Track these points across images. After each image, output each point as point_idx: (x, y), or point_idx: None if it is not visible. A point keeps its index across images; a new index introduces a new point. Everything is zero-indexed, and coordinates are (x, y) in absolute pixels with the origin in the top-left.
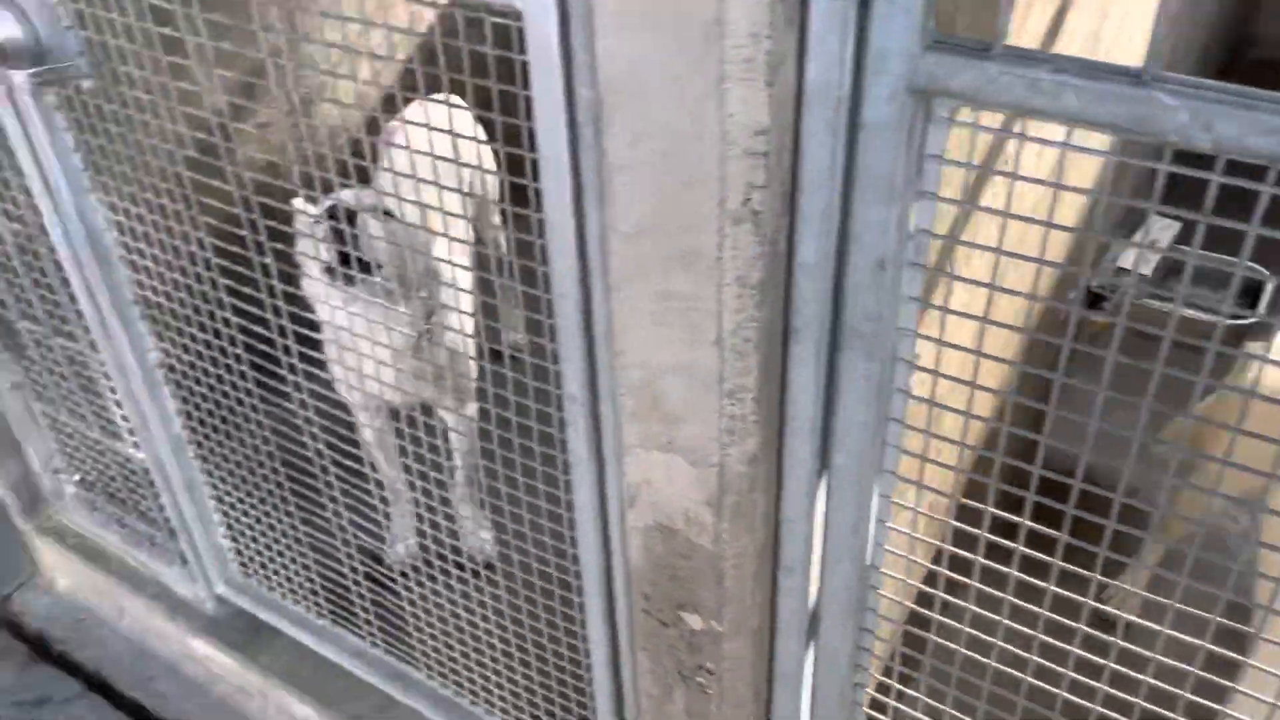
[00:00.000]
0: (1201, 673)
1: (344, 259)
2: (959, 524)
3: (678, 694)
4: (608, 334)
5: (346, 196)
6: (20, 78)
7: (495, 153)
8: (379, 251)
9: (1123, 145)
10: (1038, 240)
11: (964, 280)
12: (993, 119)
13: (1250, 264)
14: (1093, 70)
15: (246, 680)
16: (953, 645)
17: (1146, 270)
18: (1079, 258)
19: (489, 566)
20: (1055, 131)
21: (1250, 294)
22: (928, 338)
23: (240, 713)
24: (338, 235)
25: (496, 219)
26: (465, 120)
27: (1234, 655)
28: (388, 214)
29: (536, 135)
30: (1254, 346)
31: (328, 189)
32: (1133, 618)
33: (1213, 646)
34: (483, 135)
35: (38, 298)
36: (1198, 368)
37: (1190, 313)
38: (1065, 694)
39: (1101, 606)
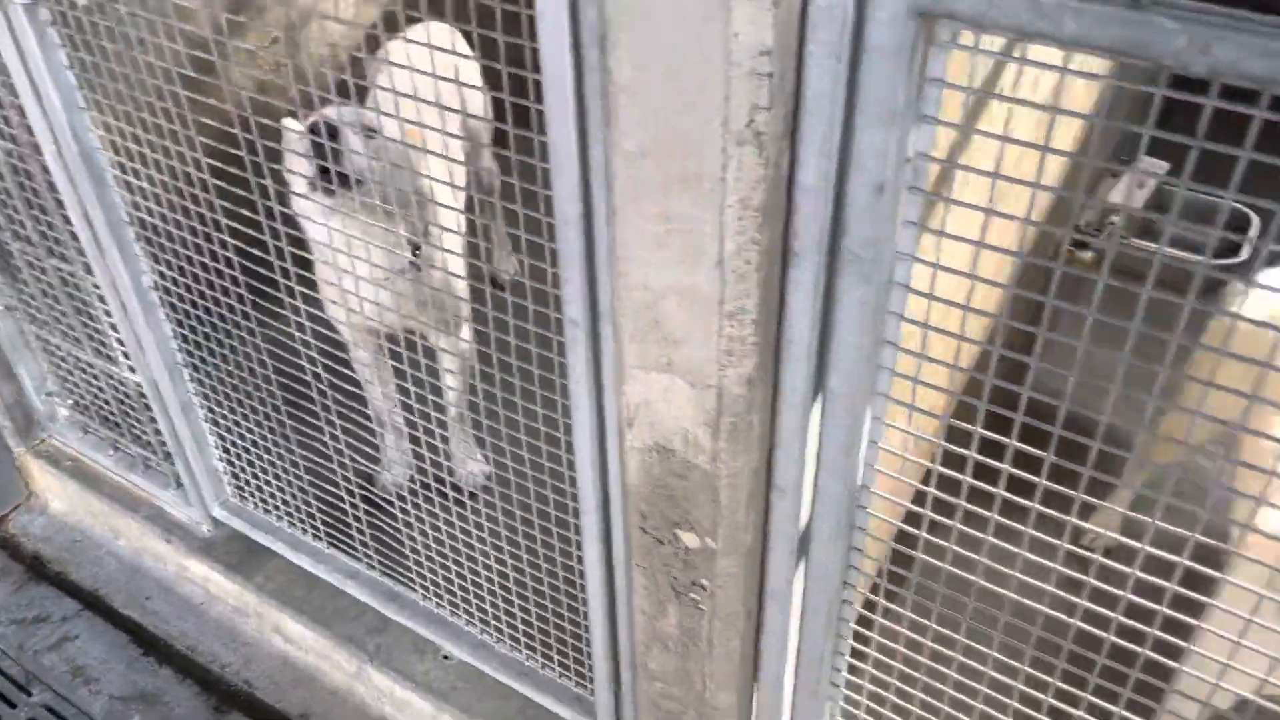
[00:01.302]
0: (1179, 588)
1: (324, 173)
2: (949, 444)
3: (671, 610)
4: (609, 257)
5: (329, 112)
6: None
7: (493, 99)
8: (360, 166)
9: (1119, 69)
10: (1032, 170)
11: (961, 204)
12: (991, 45)
13: (1236, 202)
14: None
15: (242, 600)
16: (939, 563)
17: (1135, 207)
18: (1071, 195)
19: (484, 491)
20: (1053, 58)
21: (1239, 231)
22: (924, 261)
23: (235, 631)
24: (318, 150)
25: (488, 160)
26: (459, 47)
27: (1210, 570)
28: (370, 131)
29: (541, 56)
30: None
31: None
32: (1116, 535)
33: (1190, 563)
34: (476, 70)
35: (30, 218)
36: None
37: (1173, 251)
38: (1047, 610)
39: (1083, 525)
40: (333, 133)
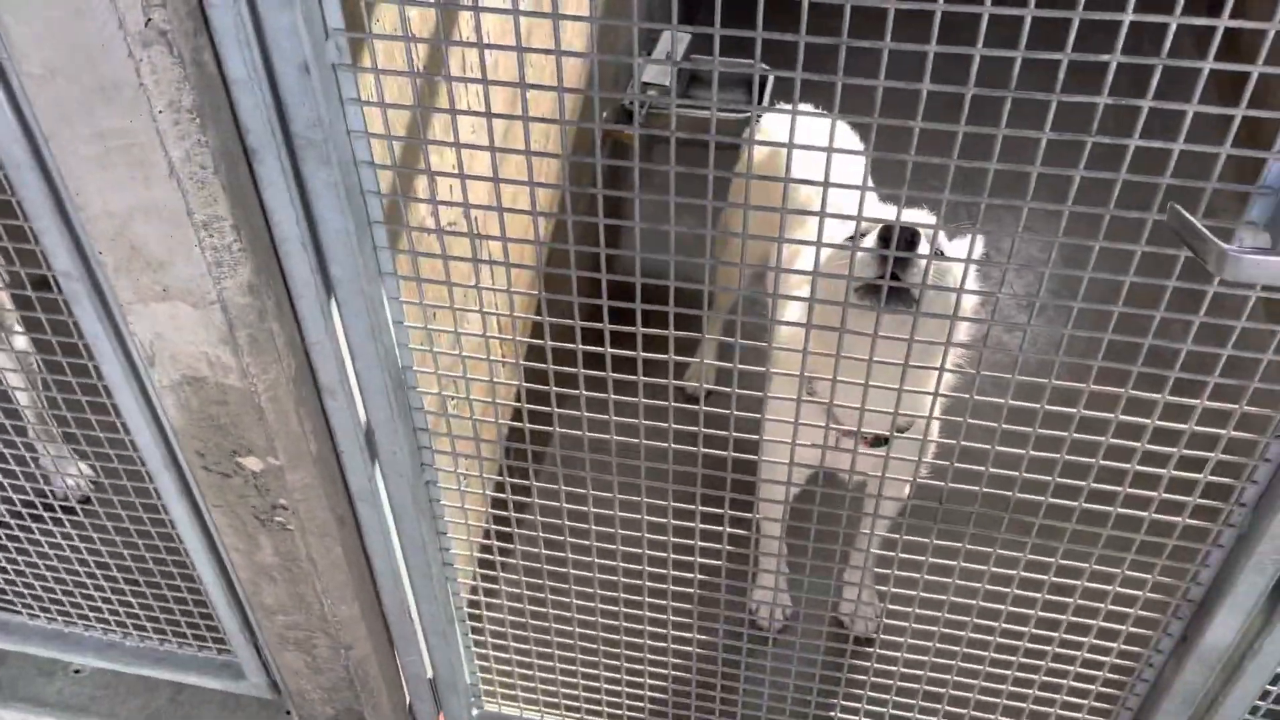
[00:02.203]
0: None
1: None
2: (539, 317)
3: (263, 539)
4: (65, 191)
5: None
6: None
7: None
8: None
9: None
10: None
11: (454, 80)
12: None
13: (756, 63)
14: None
15: None
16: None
17: (666, 81)
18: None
19: (84, 501)
20: None
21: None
22: (379, 135)
23: None
24: None
25: None
26: None
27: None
28: None
29: None
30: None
31: None
32: (709, 387)
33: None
34: None
35: None
36: (723, 163)
37: (699, 113)
38: (651, 443)
39: (682, 384)
40: None
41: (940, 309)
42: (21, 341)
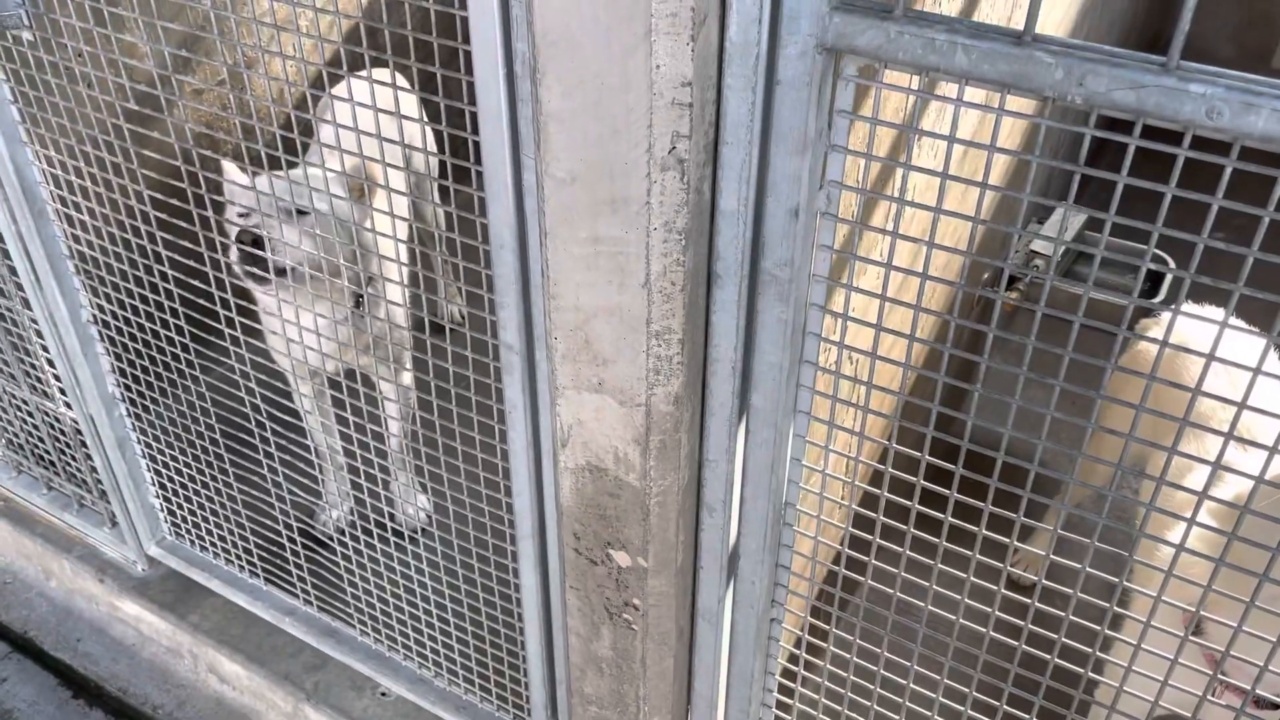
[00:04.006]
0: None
1: (256, 260)
2: (884, 467)
3: (605, 631)
4: (543, 280)
5: (263, 194)
6: None
7: (434, 131)
8: (291, 255)
9: (1040, 115)
10: (965, 205)
11: (874, 229)
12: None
13: (1157, 250)
14: (981, 31)
15: (176, 640)
16: (875, 584)
17: (1058, 255)
18: (995, 241)
19: (423, 532)
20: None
21: (1154, 281)
22: (839, 283)
23: (169, 672)
24: (248, 256)
25: (435, 195)
26: (403, 96)
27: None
28: (301, 211)
29: (476, 88)
30: (1148, 326)
31: (257, 161)
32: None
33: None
34: (418, 112)
35: None
36: (1105, 349)
37: (1096, 294)
38: (988, 656)
39: (1013, 570)
40: (257, 241)
41: None
42: (408, 378)
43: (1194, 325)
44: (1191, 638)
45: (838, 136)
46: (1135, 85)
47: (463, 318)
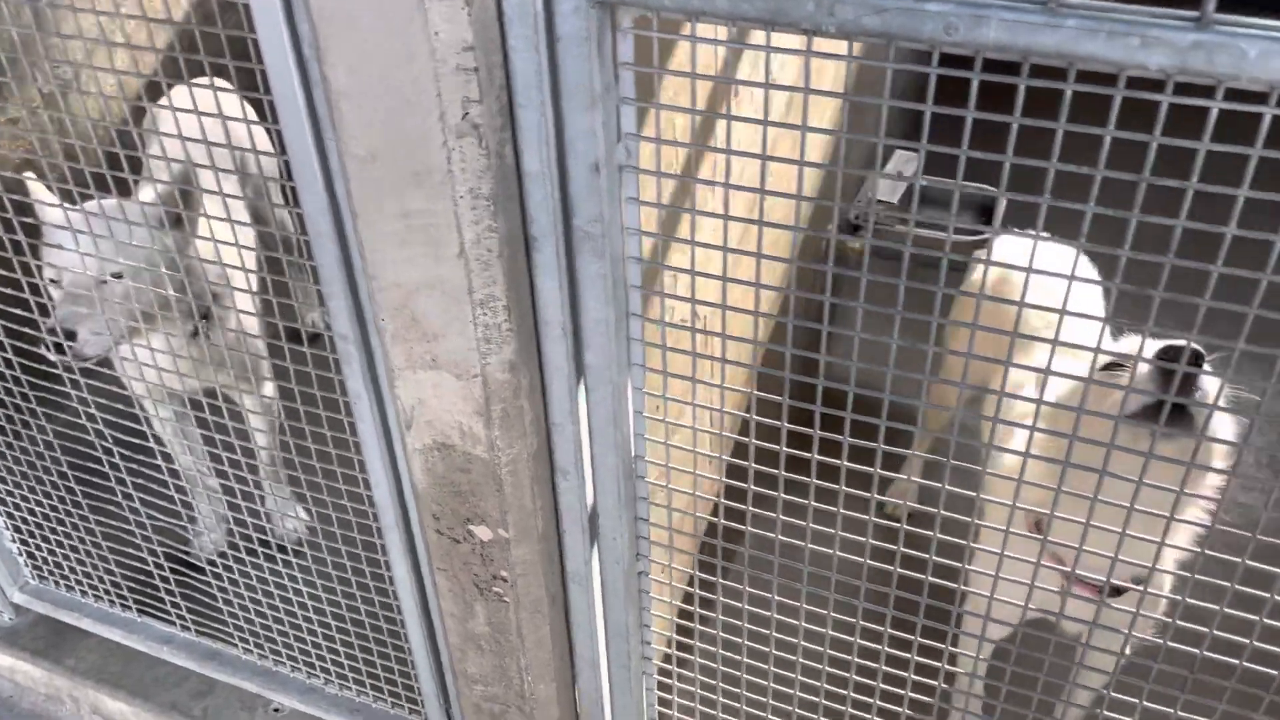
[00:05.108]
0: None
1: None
2: (748, 414)
3: (478, 608)
4: (362, 263)
5: (69, 270)
6: None
7: (268, 131)
8: (100, 345)
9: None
10: (795, 154)
11: (704, 182)
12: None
13: (983, 186)
14: None
15: (54, 686)
16: (756, 529)
17: (894, 199)
18: (832, 188)
19: (300, 544)
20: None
21: (986, 212)
22: (650, 234)
23: None
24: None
25: (278, 197)
26: (230, 98)
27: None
28: (117, 276)
29: (268, 75)
30: (980, 254)
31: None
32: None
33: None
34: (253, 115)
35: None
36: (952, 283)
37: (926, 232)
38: (869, 585)
39: (884, 499)
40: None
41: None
42: (270, 389)
43: (1016, 245)
44: (1035, 536)
45: (626, 89)
46: (879, 9)
47: (326, 324)
